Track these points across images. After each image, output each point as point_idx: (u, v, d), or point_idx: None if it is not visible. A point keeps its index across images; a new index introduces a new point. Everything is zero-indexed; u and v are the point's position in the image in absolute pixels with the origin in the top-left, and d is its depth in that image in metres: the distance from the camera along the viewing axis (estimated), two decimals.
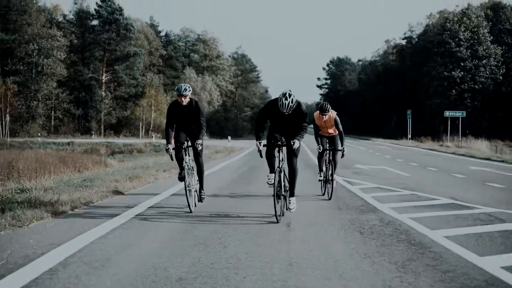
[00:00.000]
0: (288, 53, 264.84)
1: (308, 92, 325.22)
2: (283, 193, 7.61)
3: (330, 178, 10.16)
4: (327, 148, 10.46)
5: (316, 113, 10.44)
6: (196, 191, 8.69)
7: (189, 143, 8.52)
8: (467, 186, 12.91)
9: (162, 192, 10.65)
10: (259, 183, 12.16)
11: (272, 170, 7.90)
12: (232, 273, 4.76)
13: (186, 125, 8.50)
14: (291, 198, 7.84)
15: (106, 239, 6.11)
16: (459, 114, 43.37)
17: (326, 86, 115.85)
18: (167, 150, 8.29)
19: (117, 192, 10.45)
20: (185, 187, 8.22)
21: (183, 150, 8.37)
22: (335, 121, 10.27)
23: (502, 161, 23.61)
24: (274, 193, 7.38)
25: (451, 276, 4.73)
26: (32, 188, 10.05)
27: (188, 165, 8.37)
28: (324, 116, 10.20)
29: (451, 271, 4.90)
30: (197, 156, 8.60)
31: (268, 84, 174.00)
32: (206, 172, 9.23)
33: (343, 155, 10.29)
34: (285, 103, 7.35)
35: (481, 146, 35.53)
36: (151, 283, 4.45)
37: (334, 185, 10.19)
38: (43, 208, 7.82)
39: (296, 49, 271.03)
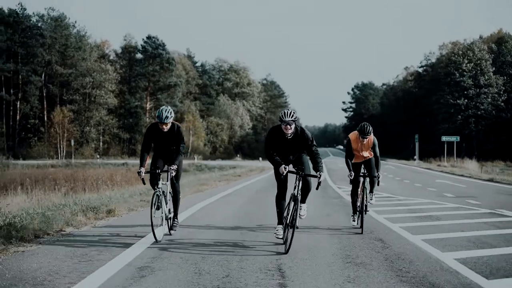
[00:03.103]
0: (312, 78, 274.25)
1: (332, 111, 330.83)
2: (293, 223, 7.32)
3: (363, 208, 9.34)
4: (363, 173, 9.57)
5: (353, 136, 9.44)
6: (167, 219, 8.28)
7: (165, 168, 8.28)
8: (411, 189, 20.43)
9: (227, 190, 18.61)
10: None
11: (280, 221, 7.59)
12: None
13: (164, 150, 8.31)
14: (302, 205, 7.82)
15: (209, 204, 13.93)
16: (453, 139, 50.60)
17: (351, 109, 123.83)
18: (139, 173, 7.99)
19: (199, 191, 18.42)
20: (151, 214, 7.69)
21: (158, 175, 8.01)
22: (373, 143, 9.48)
23: (470, 177, 30.76)
24: (286, 222, 7.45)
25: (348, 211, 12.41)
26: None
27: (160, 191, 7.90)
28: (364, 139, 9.27)
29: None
30: (173, 182, 8.30)
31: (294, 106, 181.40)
32: (249, 181, 16.47)
33: (378, 182, 9.58)
34: (287, 112, 7.41)
35: (470, 165, 42.39)
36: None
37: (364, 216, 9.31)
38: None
39: (320, 74, 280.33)
